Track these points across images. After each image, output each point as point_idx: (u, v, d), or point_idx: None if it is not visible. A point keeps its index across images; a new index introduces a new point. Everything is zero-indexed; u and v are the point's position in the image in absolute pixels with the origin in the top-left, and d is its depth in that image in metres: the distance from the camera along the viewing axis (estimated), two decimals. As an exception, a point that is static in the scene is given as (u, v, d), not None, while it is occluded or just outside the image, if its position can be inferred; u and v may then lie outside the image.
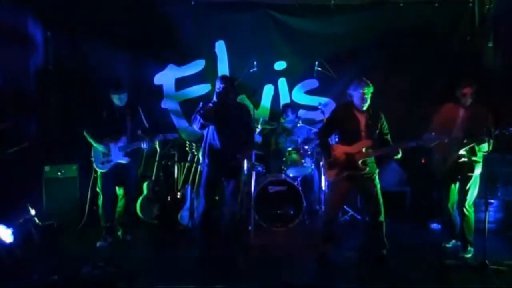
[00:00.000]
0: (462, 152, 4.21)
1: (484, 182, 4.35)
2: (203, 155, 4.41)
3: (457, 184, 4.41)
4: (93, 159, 4.76)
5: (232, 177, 4.41)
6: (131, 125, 4.79)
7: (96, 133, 4.71)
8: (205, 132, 4.38)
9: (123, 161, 4.70)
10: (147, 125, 4.91)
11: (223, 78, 4.33)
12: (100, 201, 4.79)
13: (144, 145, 4.72)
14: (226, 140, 4.27)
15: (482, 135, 4.05)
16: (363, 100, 4.03)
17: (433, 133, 4.01)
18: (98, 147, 4.70)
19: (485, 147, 4.12)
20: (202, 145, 4.42)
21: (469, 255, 4.32)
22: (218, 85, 4.26)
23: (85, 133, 4.73)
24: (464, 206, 4.33)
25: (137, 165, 5.23)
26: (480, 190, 4.36)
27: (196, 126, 4.25)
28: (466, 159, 4.23)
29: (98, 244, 4.69)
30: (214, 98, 4.26)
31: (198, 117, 4.18)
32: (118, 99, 4.69)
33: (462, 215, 4.38)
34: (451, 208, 4.51)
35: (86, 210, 5.23)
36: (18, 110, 5.16)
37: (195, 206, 5.26)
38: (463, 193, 4.35)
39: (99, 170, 4.75)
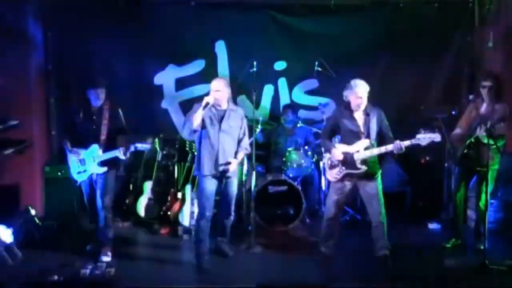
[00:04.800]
0: (482, 133, 4.12)
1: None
2: (197, 165, 4.15)
3: (469, 179, 4.44)
4: (69, 166, 4.41)
5: (227, 188, 4.23)
6: (107, 129, 4.27)
7: (71, 139, 4.34)
8: (197, 138, 4.16)
9: (99, 171, 4.25)
10: (125, 128, 4.41)
11: (216, 82, 4.12)
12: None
13: (121, 155, 4.18)
14: (220, 147, 4.07)
15: (493, 129, 4.02)
16: (358, 100, 4.03)
17: (425, 132, 3.97)
18: (71, 157, 4.34)
19: (484, 138, 4.09)
20: (196, 152, 4.18)
21: (482, 247, 4.16)
22: (210, 89, 4.07)
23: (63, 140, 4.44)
24: (480, 201, 4.35)
25: (115, 170, 4.43)
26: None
27: (185, 134, 3.98)
28: (486, 142, 4.07)
29: (87, 247, 4.50)
30: (203, 102, 3.97)
31: (187, 124, 3.95)
32: (94, 96, 4.25)
33: (479, 210, 4.40)
34: (458, 201, 4.52)
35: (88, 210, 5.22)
36: (18, 110, 5.16)
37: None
38: (479, 188, 4.36)
39: (78, 180, 4.39)
